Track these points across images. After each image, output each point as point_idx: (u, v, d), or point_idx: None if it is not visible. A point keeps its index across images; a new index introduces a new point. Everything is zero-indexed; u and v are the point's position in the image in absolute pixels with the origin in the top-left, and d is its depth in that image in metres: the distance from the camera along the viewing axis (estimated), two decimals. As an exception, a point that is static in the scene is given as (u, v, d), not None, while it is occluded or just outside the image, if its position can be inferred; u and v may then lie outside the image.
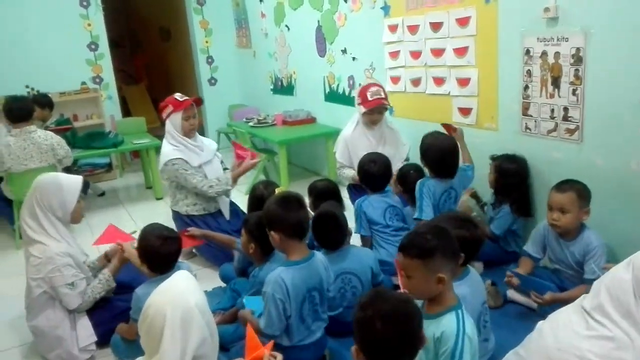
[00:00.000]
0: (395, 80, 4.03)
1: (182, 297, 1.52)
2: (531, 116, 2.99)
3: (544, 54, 2.83)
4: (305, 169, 5.79)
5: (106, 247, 2.87)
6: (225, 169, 3.65)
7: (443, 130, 3.25)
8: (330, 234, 2.45)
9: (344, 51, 4.66)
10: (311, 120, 5.35)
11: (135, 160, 6.79)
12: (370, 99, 3.50)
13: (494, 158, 3.15)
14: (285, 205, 2.10)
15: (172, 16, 9.09)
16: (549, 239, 2.68)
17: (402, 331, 1.42)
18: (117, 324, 2.56)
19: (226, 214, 3.58)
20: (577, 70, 2.68)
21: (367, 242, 2.97)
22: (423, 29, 3.64)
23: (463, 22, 3.30)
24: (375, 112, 3.56)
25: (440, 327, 1.71)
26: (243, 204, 3.93)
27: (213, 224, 3.51)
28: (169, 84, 10.44)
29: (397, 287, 2.92)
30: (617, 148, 2.59)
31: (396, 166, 3.39)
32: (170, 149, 3.44)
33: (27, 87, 5.82)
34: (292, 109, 5.55)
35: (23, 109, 3.97)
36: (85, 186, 2.69)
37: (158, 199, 5.24)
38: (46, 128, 4.62)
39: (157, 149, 5.21)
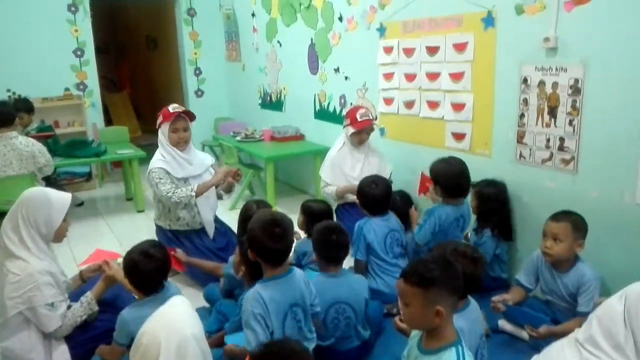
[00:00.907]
0: (388, 101, 4.01)
1: (178, 326, 1.43)
2: (526, 144, 2.99)
3: (542, 83, 2.83)
4: (292, 186, 5.72)
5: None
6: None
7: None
8: (333, 247, 2.38)
9: (337, 70, 4.64)
10: (300, 137, 5.29)
11: (115, 170, 6.64)
12: (359, 119, 3.55)
13: (473, 185, 3.14)
14: (269, 233, 2.03)
15: (160, 26, 9.02)
16: (542, 270, 2.65)
17: None
18: (96, 345, 2.44)
19: (210, 232, 3.48)
20: (574, 101, 2.68)
21: (361, 266, 2.90)
22: (419, 52, 3.63)
23: (460, 47, 3.30)
24: (364, 132, 3.61)
25: (439, 364, 1.65)
26: (227, 219, 3.86)
27: (197, 241, 3.42)
28: (153, 93, 10.32)
29: (390, 314, 2.87)
30: (611, 180, 2.59)
31: None
32: (157, 158, 3.38)
33: (8, 90, 5.66)
34: (280, 124, 5.50)
35: (4, 114, 3.83)
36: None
37: (139, 211, 5.10)
38: (27, 134, 4.48)
39: (141, 160, 5.14)
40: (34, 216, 2.37)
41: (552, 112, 2.80)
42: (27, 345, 2.34)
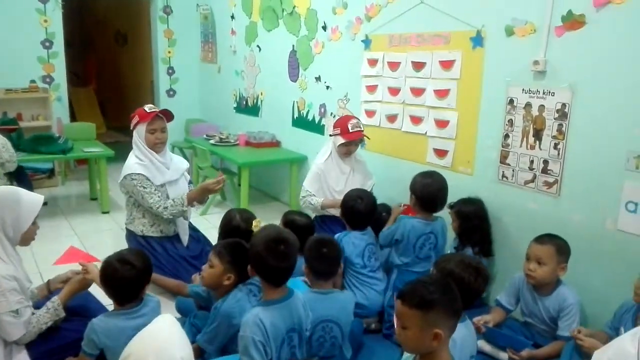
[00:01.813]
0: (370, 113, 3.99)
1: (167, 349, 1.34)
2: (509, 165, 3.00)
3: (528, 105, 2.86)
4: (264, 193, 5.62)
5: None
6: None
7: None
8: (325, 261, 2.32)
9: (318, 79, 4.59)
10: (275, 143, 5.22)
11: (79, 167, 6.39)
12: (351, 130, 3.45)
13: (451, 206, 3.13)
14: (273, 250, 1.95)
15: (132, 22, 8.80)
16: (523, 292, 2.66)
17: None
18: (63, 356, 2.29)
19: (184, 240, 3.36)
20: (560, 125, 2.71)
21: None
22: (404, 66, 3.62)
23: (447, 64, 3.31)
24: (353, 143, 3.53)
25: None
26: (198, 225, 3.74)
27: (170, 248, 3.29)
28: (120, 90, 10.04)
29: (369, 331, 2.83)
30: (594, 205, 2.62)
31: None
32: (133, 161, 3.22)
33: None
34: (255, 130, 5.40)
35: None
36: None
37: (104, 212, 4.91)
38: (-13, 127, 4.24)
39: (109, 159, 4.94)
40: (1, 216, 2.21)
41: (537, 135, 2.83)
42: (-16, 354, 2.18)
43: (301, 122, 4.91)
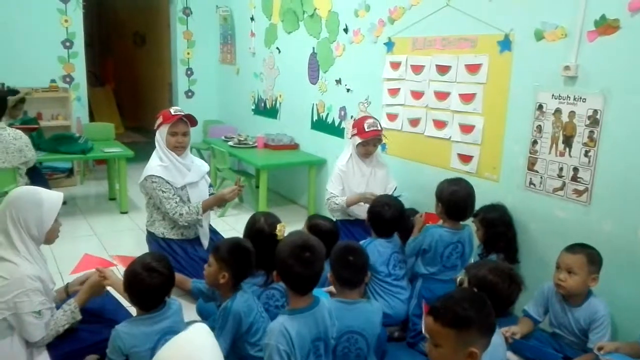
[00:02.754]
0: (392, 117, 3.94)
1: (196, 358, 1.30)
2: (537, 172, 2.94)
3: (558, 111, 2.79)
4: (281, 196, 5.59)
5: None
6: (212, 194, 3.42)
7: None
8: (350, 269, 2.26)
9: (339, 81, 4.55)
10: (294, 146, 5.18)
11: (98, 167, 6.41)
12: (367, 130, 3.43)
13: (475, 214, 3.06)
14: (298, 257, 1.91)
15: (151, 23, 8.84)
16: (552, 302, 2.59)
17: None
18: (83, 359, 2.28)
19: (205, 242, 3.34)
20: (592, 132, 2.65)
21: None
22: (428, 70, 3.57)
23: (473, 68, 3.25)
24: (371, 143, 3.49)
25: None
26: (217, 226, 3.72)
27: (190, 251, 3.27)
28: (138, 91, 10.10)
29: (392, 339, 2.78)
30: (626, 215, 2.55)
31: None
32: (155, 163, 3.21)
33: (-2, 83, 5.40)
34: (273, 132, 5.38)
35: None
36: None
37: (123, 212, 4.91)
38: (10, 125, 4.24)
39: (127, 160, 4.95)
40: (24, 216, 2.21)
41: (567, 142, 2.76)
42: (9, 355, 2.16)
43: (320, 124, 4.88)
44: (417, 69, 3.67)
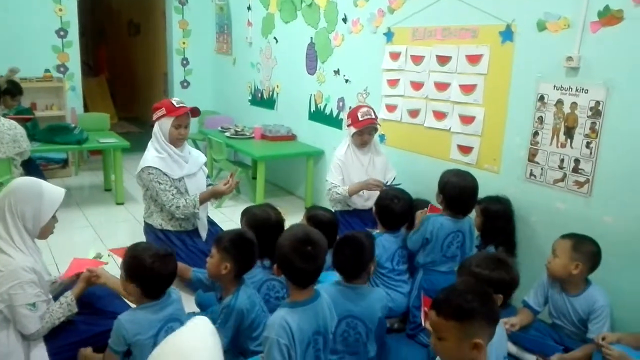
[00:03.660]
0: (391, 108, 3.92)
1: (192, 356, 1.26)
2: (538, 163, 2.93)
3: (560, 102, 2.78)
4: (278, 187, 5.56)
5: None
6: (209, 184, 3.39)
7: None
8: (350, 261, 2.25)
9: (337, 72, 4.52)
10: (291, 137, 5.15)
11: (92, 158, 6.35)
12: (360, 119, 3.39)
13: (478, 202, 3.06)
14: (300, 251, 1.88)
15: (145, 11, 8.74)
16: (551, 292, 2.60)
17: None
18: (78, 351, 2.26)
19: (203, 234, 3.32)
20: (594, 123, 2.64)
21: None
22: (428, 60, 3.55)
23: (474, 59, 3.23)
24: (365, 132, 3.44)
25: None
26: (214, 218, 3.69)
27: (189, 242, 3.24)
28: (132, 80, 10.00)
29: (392, 330, 2.78)
30: (627, 206, 2.55)
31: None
32: (152, 155, 3.17)
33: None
34: (271, 123, 5.34)
35: None
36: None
37: (119, 203, 4.87)
38: (4, 115, 4.19)
39: (124, 151, 4.90)
40: (21, 208, 2.17)
41: (569, 133, 2.75)
42: (5, 347, 2.14)
43: (318, 115, 4.84)
44: (417, 59, 3.64)
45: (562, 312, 2.55)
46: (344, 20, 4.35)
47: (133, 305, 2.25)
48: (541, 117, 2.88)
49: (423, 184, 3.46)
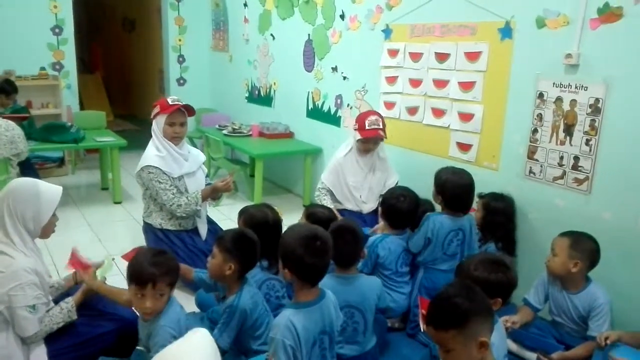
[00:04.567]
0: (389, 105, 3.91)
1: None
2: (537, 160, 2.93)
3: (559, 99, 2.78)
4: (276, 184, 5.55)
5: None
6: (208, 184, 3.37)
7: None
8: (345, 248, 2.25)
9: (335, 69, 4.50)
10: (289, 134, 5.14)
11: (88, 156, 6.32)
12: (367, 127, 3.35)
13: (481, 196, 3.10)
14: (310, 249, 1.87)
15: (141, 8, 8.69)
16: (552, 289, 2.60)
17: None
18: (80, 353, 2.24)
19: (203, 234, 3.31)
20: (593, 120, 2.64)
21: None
22: (427, 57, 3.54)
23: (473, 56, 3.22)
24: (371, 142, 3.41)
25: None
26: (212, 216, 3.67)
27: (189, 241, 3.23)
28: (127, 77, 9.96)
29: (392, 329, 2.78)
30: (626, 204, 2.56)
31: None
32: (152, 153, 3.16)
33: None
34: (268, 120, 5.33)
35: None
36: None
37: (116, 202, 4.84)
38: (0, 115, 4.16)
39: (121, 149, 4.87)
40: (20, 209, 2.15)
41: (568, 130, 2.75)
42: (5, 349, 2.12)
43: (316, 113, 4.83)
44: (416, 56, 3.63)
45: (563, 309, 2.56)
46: (342, 16, 4.33)
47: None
48: (540, 114, 2.88)
49: (422, 181, 3.41)
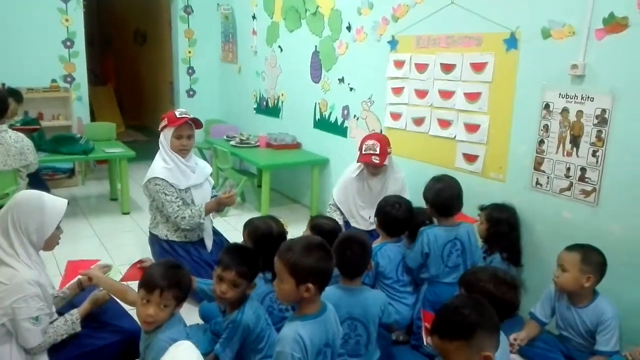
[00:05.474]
0: (395, 116, 3.90)
1: None
2: (544, 172, 2.90)
3: (565, 110, 2.75)
4: (284, 195, 5.55)
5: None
6: (214, 196, 3.39)
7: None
8: (353, 259, 2.25)
9: (341, 80, 4.51)
10: (296, 145, 5.14)
11: (99, 167, 6.38)
12: (363, 152, 3.33)
13: (482, 208, 3.07)
14: (321, 255, 1.86)
15: (152, 21, 8.80)
16: (558, 304, 2.56)
17: None
18: None
19: (209, 245, 3.32)
20: (600, 131, 2.61)
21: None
22: (433, 68, 3.53)
23: (478, 67, 3.21)
24: (370, 166, 3.37)
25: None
26: (219, 227, 3.68)
27: (194, 253, 3.25)
28: (138, 89, 10.06)
29: (397, 342, 2.75)
30: (635, 216, 2.51)
31: None
32: (159, 165, 3.19)
33: (-1, 83, 5.35)
34: (276, 131, 5.34)
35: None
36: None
37: (125, 213, 4.88)
38: (10, 126, 4.21)
39: (131, 159, 4.91)
40: (25, 221, 2.16)
41: (575, 141, 2.72)
42: (8, 360, 2.14)
43: (323, 124, 4.84)
44: (422, 67, 3.63)
45: (570, 323, 2.51)
46: (348, 28, 4.35)
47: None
48: (547, 125, 2.86)
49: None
